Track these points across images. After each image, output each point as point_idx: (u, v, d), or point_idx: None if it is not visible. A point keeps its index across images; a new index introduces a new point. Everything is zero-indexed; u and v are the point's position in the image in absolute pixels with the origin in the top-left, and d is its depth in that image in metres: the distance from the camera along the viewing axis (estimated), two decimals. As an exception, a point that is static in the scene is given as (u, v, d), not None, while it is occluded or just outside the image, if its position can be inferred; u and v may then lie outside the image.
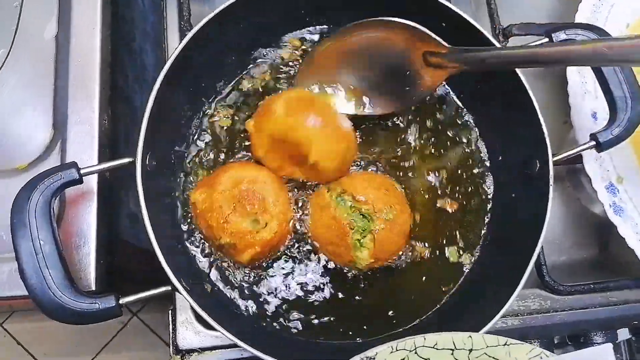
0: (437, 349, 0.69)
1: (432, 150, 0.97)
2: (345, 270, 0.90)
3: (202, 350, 0.91)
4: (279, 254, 0.90)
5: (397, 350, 0.68)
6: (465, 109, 1.00)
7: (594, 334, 1.04)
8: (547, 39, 0.87)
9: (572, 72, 1.02)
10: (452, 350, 0.69)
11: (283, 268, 0.90)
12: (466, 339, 0.69)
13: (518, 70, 0.86)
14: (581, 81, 1.01)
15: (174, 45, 0.97)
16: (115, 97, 1.00)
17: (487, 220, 0.95)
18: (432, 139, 0.98)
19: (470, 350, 0.69)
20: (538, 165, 0.86)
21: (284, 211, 0.86)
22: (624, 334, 1.17)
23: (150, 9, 1.17)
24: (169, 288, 0.74)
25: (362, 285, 0.91)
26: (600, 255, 1.09)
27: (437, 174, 0.96)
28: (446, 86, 1.00)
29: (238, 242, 0.83)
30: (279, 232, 0.86)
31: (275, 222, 0.84)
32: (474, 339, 0.69)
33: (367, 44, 0.90)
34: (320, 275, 0.90)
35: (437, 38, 0.83)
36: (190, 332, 0.91)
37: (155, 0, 1.09)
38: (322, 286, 0.90)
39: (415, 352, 0.68)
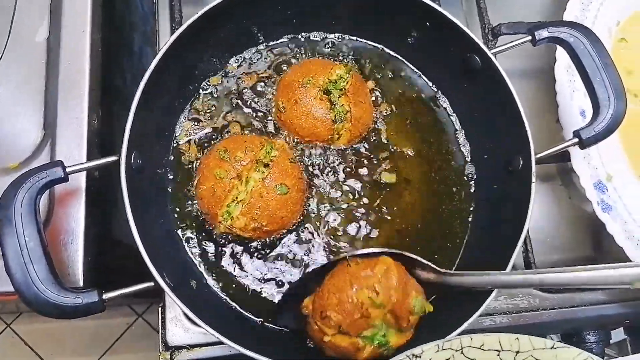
0: (483, 349, 0.69)
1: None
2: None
3: (192, 346, 0.91)
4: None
5: (443, 349, 0.69)
6: (451, 109, 1.01)
7: (587, 333, 1.04)
8: (530, 37, 0.87)
9: (560, 69, 1.02)
10: (499, 351, 0.69)
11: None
12: (513, 340, 0.68)
13: (502, 71, 0.87)
14: (569, 79, 1.01)
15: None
16: (112, 98, 1.02)
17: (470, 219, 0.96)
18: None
19: (517, 353, 0.69)
20: (521, 162, 0.86)
21: None
22: (619, 334, 1.16)
23: (150, 12, 1.20)
24: (152, 284, 0.76)
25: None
26: (592, 253, 1.08)
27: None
28: (433, 87, 1.02)
29: None
30: None
31: None
32: (521, 341, 0.68)
33: None
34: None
35: (429, 263, 0.82)
36: (179, 329, 0.92)
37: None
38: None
39: (462, 352, 0.69)
